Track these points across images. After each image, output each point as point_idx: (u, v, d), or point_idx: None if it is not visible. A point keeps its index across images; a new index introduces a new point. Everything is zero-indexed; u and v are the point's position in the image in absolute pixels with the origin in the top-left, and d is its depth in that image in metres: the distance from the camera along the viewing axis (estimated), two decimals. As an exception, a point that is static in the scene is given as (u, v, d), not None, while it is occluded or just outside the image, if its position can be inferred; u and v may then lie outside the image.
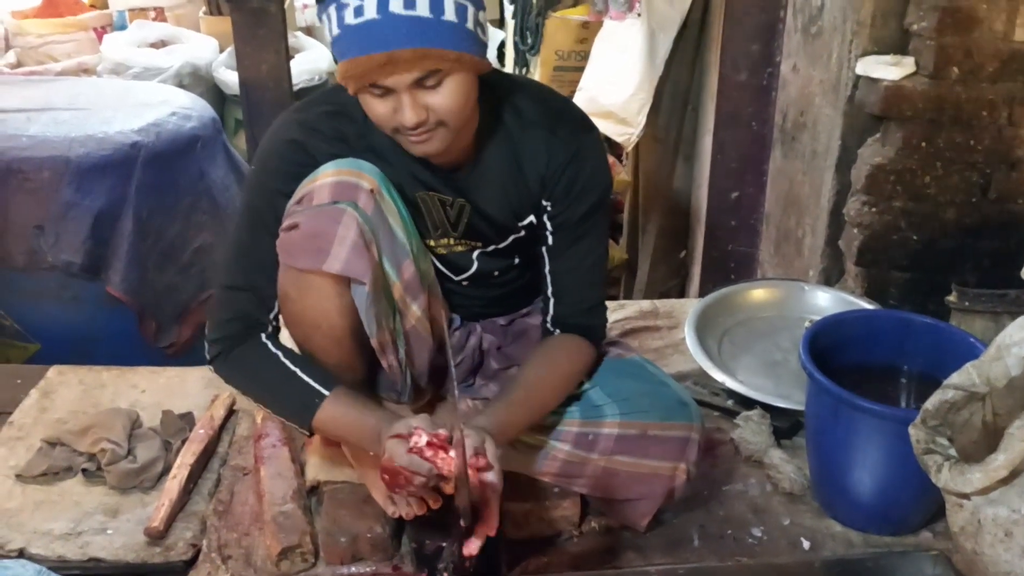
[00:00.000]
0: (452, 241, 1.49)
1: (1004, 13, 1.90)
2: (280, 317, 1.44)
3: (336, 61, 1.27)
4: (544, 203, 1.44)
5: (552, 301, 1.49)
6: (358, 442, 1.35)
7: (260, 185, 1.42)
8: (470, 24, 1.24)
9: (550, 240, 1.46)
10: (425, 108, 1.24)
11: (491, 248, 1.50)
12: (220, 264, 1.49)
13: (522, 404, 1.38)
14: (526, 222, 1.47)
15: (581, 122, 1.46)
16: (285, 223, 1.33)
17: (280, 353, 1.39)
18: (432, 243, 1.49)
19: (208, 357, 1.44)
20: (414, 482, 1.19)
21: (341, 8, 1.21)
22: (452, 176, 1.42)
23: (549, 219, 1.45)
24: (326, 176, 1.33)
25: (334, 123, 1.39)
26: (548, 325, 1.50)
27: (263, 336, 1.41)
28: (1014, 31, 1.91)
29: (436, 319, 1.46)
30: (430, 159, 1.37)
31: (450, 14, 1.21)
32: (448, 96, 1.25)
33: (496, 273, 1.55)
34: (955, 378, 1.21)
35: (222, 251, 1.49)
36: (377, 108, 1.27)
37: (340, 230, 1.29)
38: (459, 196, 1.43)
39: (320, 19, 1.29)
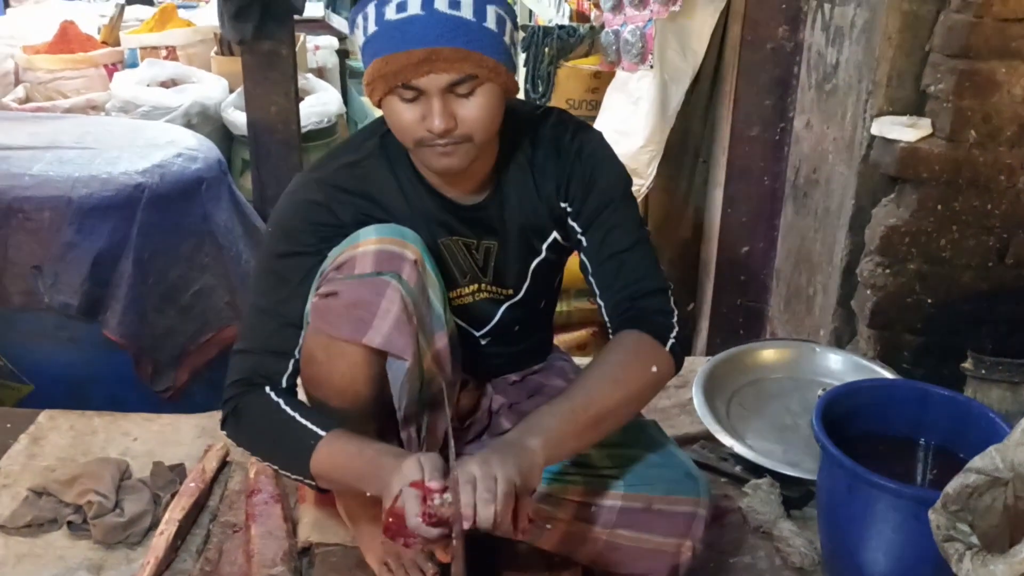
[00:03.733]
0: (480, 287, 1.46)
1: (1023, 78, 1.87)
2: (297, 380, 1.38)
3: (366, 64, 1.25)
4: (563, 205, 1.41)
5: (602, 303, 1.40)
6: (358, 483, 1.23)
7: (279, 247, 1.37)
8: (507, 38, 1.25)
9: (584, 242, 1.41)
10: (454, 117, 1.22)
11: (520, 296, 1.48)
12: (238, 332, 1.44)
13: (578, 413, 1.24)
14: (550, 239, 1.45)
15: (579, 124, 1.45)
16: (322, 289, 1.28)
17: (281, 400, 1.33)
18: (459, 292, 1.45)
19: (221, 425, 1.40)
20: (414, 544, 1.13)
21: (382, 4, 1.20)
22: (475, 214, 1.40)
23: (574, 219, 1.41)
24: (368, 243, 1.28)
25: (354, 173, 1.36)
26: (608, 329, 1.39)
27: (267, 388, 1.34)
28: (1033, 95, 1.89)
29: (449, 383, 1.41)
30: (450, 181, 1.35)
31: (491, 22, 1.21)
32: (478, 107, 1.23)
33: (517, 327, 1.52)
34: (978, 462, 1.15)
35: (242, 319, 1.45)
36: (404, 115, 1.24)
37: (384, 303, 1.25)
38: (484, 237, 1.41)
39: (353, 22, 1.27)
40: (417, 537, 1.11)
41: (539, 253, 1.46)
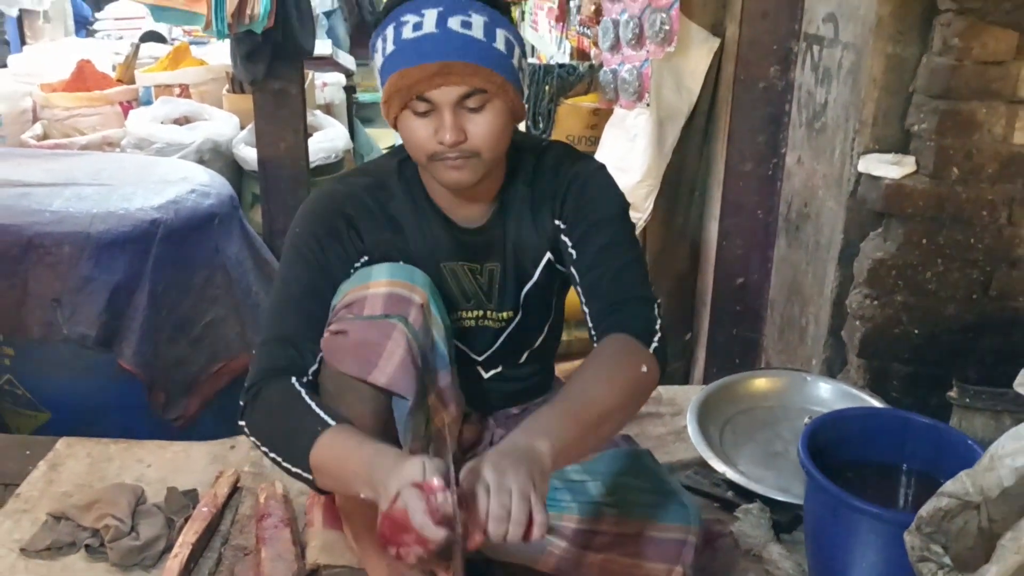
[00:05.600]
0: (484, 313, 1.52)
1: (1003, 118, 1.94)
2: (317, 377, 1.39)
3: (383, 82, 1.33)
4: (557, 223, 1.47)
5: (587, 311, 1.41)
6: (353, 481, 1.18)
7: (305, 245, 1.41)
8: (515, 61, 1.34)
9: (575, 255, 1.44)
10: (464, 131, 1.30)
11: (517, 319, 1.53)
12: (260, 324, 1.46)
13: (580, 414, 1.21)
14: (543, 262, 1.50)
15: (582, 155, 1.53)
16: (333, 326, 1.34)
17: (303, 390, 1.30)
18: (461, 315, 1.51)
19: (239, 417, 1.35)
20: (417, 551, 1.04)
21: (400, 25, 1.30)
22: (478, 238, 1.47)
23: (567, 236, 1.46)
24: (379, 285, 1.35)
25: (378, 193, 1.45)
26: (592, 336, 1.39)
27: (292, 379, 1.32)
28: (1013, 134, 1.95)
29: (452, 420, 1.46)
30: (458, 202, 1.43)
31: (500, 44, 1.31)
32: (487, 124, 1.31)
33: (518, 356, 1.57)
34: (949, 486, 1.21)
35: (264, 312, 1.46)
36: (418, 130, 1.32)
37: (390, 345, 1.31)
38: (488, 260, 1.48)
39: (373, 47, 1.36)
40: (414, 546, 1.04)
41: (531, 277, 1.52)
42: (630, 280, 1.41)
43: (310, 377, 1.36)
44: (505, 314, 1.54)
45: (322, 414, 1.26)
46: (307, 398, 1.29)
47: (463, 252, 1.48)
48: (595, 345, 1.38)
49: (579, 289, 1.44)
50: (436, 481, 1.05)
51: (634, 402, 1.32)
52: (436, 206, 1.46)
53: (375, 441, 1.21)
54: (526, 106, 1.38)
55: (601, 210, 1.45)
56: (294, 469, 1.27)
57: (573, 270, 1.45)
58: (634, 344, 1.33)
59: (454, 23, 1.28)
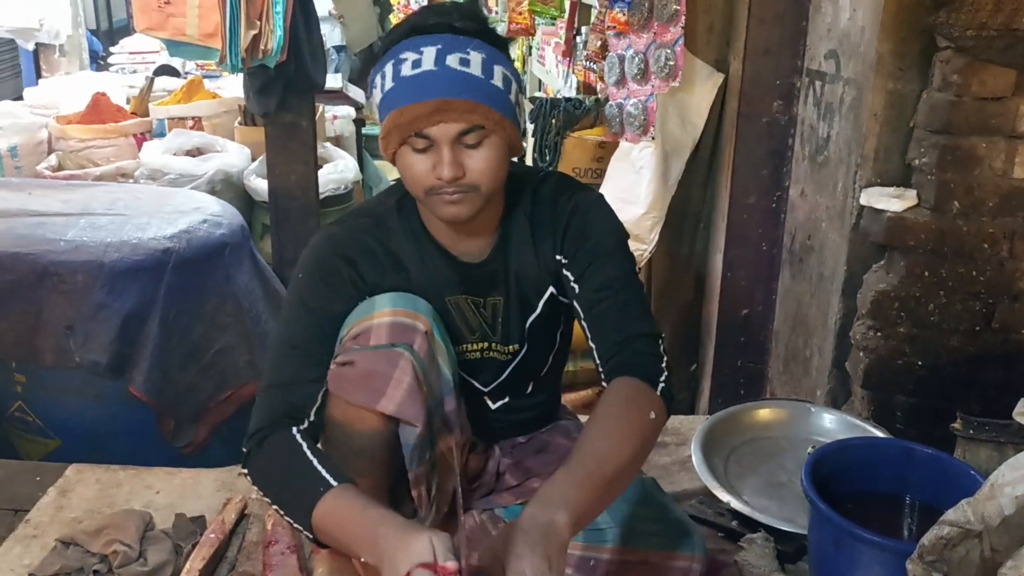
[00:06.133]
0: (490, 345, 1.53)
1: (1003, 153, 1.96)
2: (319, 416, 1.40)
3: (382, 119, 1.35)
4: (558, 258, 1.48)
5: (593, 347, 1.42)
6: (354, 545, 1.19)
7: (306, 290, 1.43)
8: (512, 97, 1.36)
9: (577, 289, 1.45)
10: (462, 166, 1.31)
11: (524, 352, 1.54)
12: (264, 371, 1.47)
13: (595, 477, 1.18)
14: (546, 295, 1.51)
15: (579, 185, 1.55)
16: (340, 358, 1.36)
17: (304, 444, 1.31)
18: (466, 348, 1.53)
19: (242, 464, 1.38)
20: None
21: (399, 63, 1.31)
22: (480, 271, 1.48)
23: (568, 270, 1.47)
24: (383, 315, 1.37)
25: (377, 232, 1.46)
26: (600, 375, 1.40)
27: (294, 429, 1.34)
28: (1013, 169, 1.97)
29: (458, 444, 1.46)
30: (458, 237, 1.44)
31: (498, 81, 1.33)
32: (485, 159, 1.32)
33: (524, 386, 1.58)
34: (950, 515, 1.23)
35: (266, 357, 1.47)
36: (416, 165, 1.33)
37: (397, 373, 1.33)
38: (490, 293, 1.50)
39: (371, 83, 1.38)
40: None
41: (535, 309, 1.53)
42: (634, 316, 1.41)
43: (312, 418, 1.38)
44: (511, 347, 1.55)
45: (323, 472, 1.26)
46: (308, 452, 1.30)
47: (466, 285, 1.49)
48: (603, 383, 1.38)
49: (584, 324, 1.45)
50: (451, 564, 1.04)
51: (645, 451, 1.31)
52: (436, 241, 1.47)
53: (378, 506, 1.21)
54: (523, 138, 1.39)
55: (602, 244, 1.46)
56: (296, 525, 1.29)
57: (576, 305, 1.46)
58: (642, 388, 1.32)
59: (452, 60, 1.29)
